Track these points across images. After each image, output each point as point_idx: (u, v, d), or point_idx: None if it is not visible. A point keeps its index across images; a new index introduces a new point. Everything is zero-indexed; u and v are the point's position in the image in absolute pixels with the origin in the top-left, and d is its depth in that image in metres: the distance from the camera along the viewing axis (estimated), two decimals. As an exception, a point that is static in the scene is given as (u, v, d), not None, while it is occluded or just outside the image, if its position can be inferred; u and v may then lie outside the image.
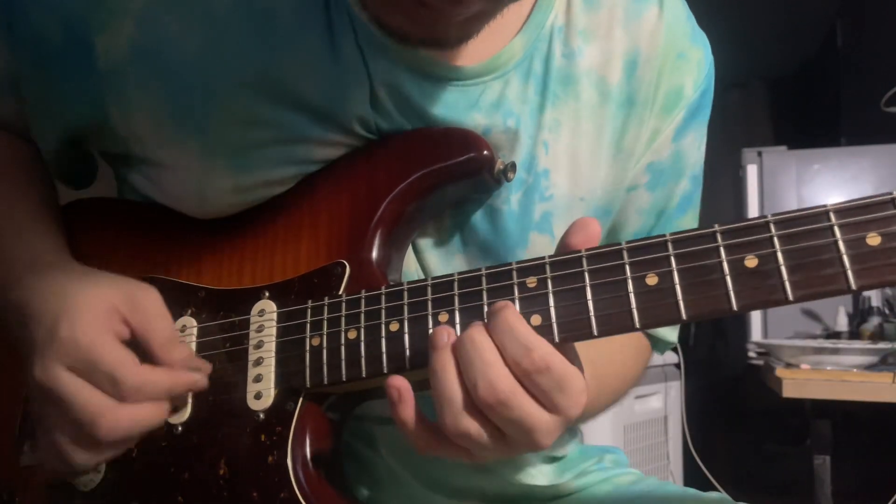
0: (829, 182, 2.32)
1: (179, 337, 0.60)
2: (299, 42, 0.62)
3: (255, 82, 0.62)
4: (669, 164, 0.71)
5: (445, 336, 0.51)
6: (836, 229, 0.45)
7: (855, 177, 2.30)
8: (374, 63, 0.62)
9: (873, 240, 0.44)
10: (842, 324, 2.10)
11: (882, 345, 1.76)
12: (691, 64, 0.70)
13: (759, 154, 2.37)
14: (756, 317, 2.29)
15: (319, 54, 0.62)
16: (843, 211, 0.45)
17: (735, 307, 0.46)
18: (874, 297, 2.11)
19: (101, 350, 0.56)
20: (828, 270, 0.45)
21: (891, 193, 0.44)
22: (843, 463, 1.76)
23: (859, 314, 2.11)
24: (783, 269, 0.46)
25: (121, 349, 0.57)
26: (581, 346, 0.64)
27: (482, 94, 0.64)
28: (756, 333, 2.28)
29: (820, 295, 0.45)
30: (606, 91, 0.67)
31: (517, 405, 0.49)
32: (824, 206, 0.45)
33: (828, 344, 1.83)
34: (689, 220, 0.75)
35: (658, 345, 0.78)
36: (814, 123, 3.56)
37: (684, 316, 0.47)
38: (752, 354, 2.20)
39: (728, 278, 0.47)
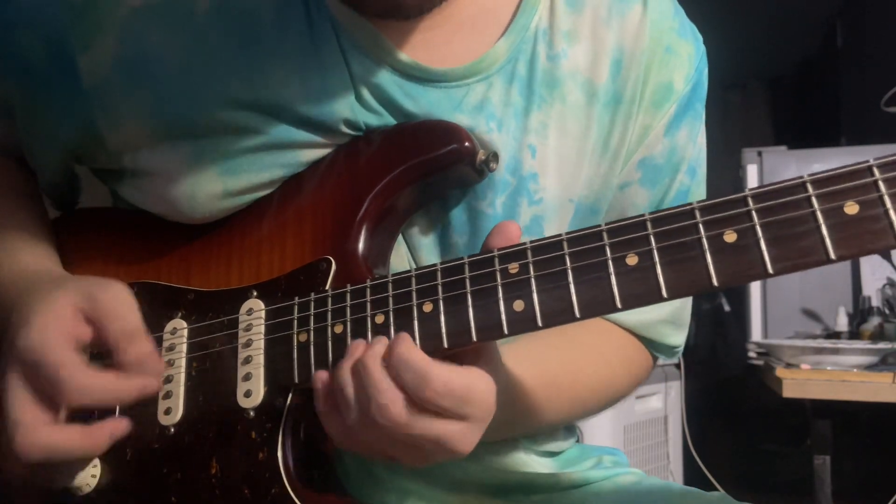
0: (829, 182, 2.32)
1: (141, 333, 0.59)
2: (282, 48, 0.63)
3: (240, 90, 0.62)
4: (664, 159, 0.71)
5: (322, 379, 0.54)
6: (814, 199, 0.44)
7: (855, 177, 2.30)
8: (357, 65, 0.63)
9: (851, 208, 0.43)
10: (842, 324, 2.09)
11: (882, 345, 1.75)
12: (681, 58, 0.70)
13: (759, 154, 2.37)
14: (756, 317, 2.29)
15: (302, 59, 0.63)
16: (821, 181, 0.45)
17: (715, 283, 0.46)
18: (874, 297, 2.10)
19: (47, 351, 0.56)
20: (806, 242, 0.44)
21: (868, 161, 0.44)
22: (843, 463, 1.76)
23: (859, 314, 2.10)
24: (762, 242, 0.45)
25: (68, 352, 0.57)
26: (538, 348, 0.63)
27: (465, 96, 0.65)
28: (756, 333, 2.27)
29: (800, 267, 0.44)
30: (593, 92, 0.67)
31: (418, 426, 0.50)
32: (801, 177, 0.45)
33: (828, 344, 1.83)
34: None
35: (661, 349, 0.77)
36: (814, 123, 3.56)
37: (665, 294, 0.47)
38: (752, 354, 2.20)
39: (708, 254, 0.46)
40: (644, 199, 0.71)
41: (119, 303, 0.60)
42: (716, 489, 1.76)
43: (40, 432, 0.56)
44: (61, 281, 0.63)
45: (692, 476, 2.28)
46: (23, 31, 0.66)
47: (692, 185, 0.74)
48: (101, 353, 0.60)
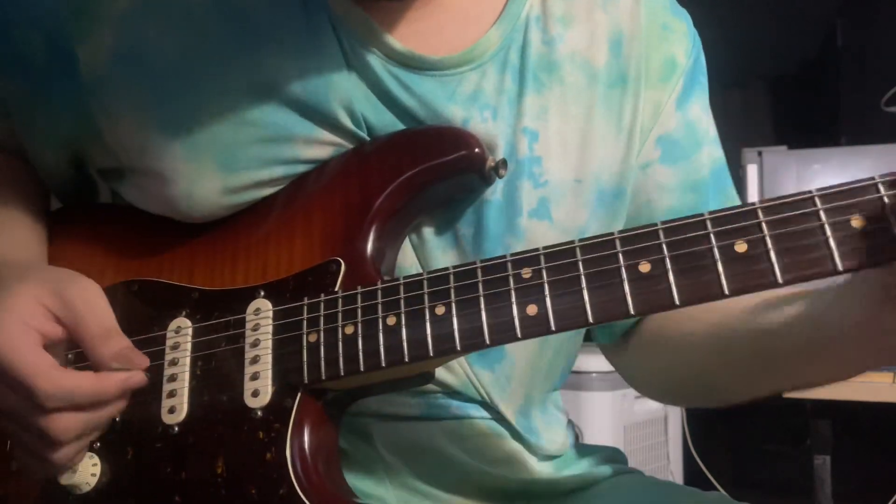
0: (830, 182, 2.31)
1: (115, 330, 0.60)
2: (278, 38, 0.63)
3: (237, 82, 0.63)
4: (682, 134, 0.72)
5: None
6: (822, 213, 0.46)
7: (855, 177, 2.28)
8: (351, 53, 0.64)
9: (857, 222, 0.45)
10: (842, 324, 2.09)
11: (882, 345, 1.75)
12: (678, 34, 0.72)
13: (759, 154, 2.38)
14: (756, 317, 2.29)
15: (299, 46, 0.63)
16: (828, 196, 0.47)
17: (727, 291, 0.48)
18: (874, 297, 2.10)
19: (16, 357, 0.56)
20: (814, 254, 0.46)
21: (873, 178, 0.46)
22: (843, 463, 1.76)
23: (859, 314, 2.10)
24: (772, 253, 0.47)
25: (37, 355, 0.57)
26: None
27: (458, 85, 0.65)
28: (756, 333, 2.27)
29: (808, 277, 0.46)
30: (593, 73, 0.68)
31: None
32: (810, 191, 0.47)
33: (828, 344, 1.83)
34: (732, 189, 0.75)
35: None
36: (814, 123, 3.56)
37: (677, 302, 0.49)
38: (752, 354, 2.19)
39: (719, 264, 0.48)
40: (672, 178, 0.71)
41: (88, 300, 0.59)
42: (716, 489, 1.76)
43: (54, 373, 0.56)
44: (25, 273, 0.62)
45: (692, 476, 2.28)
46: (22, 27, 0.66)
47: (724, 157, 0.75)
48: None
